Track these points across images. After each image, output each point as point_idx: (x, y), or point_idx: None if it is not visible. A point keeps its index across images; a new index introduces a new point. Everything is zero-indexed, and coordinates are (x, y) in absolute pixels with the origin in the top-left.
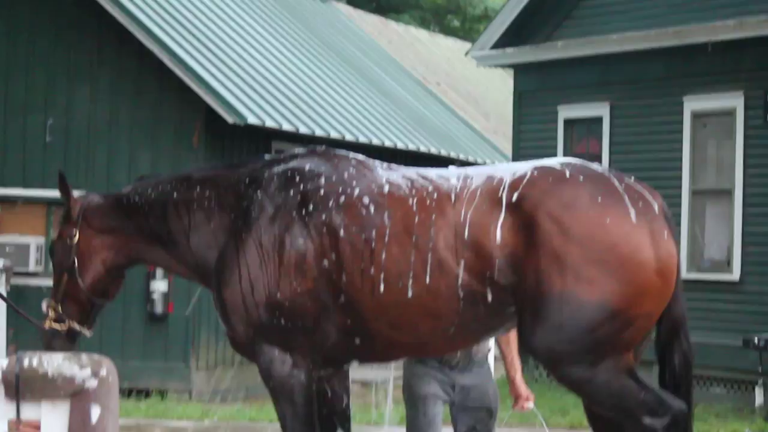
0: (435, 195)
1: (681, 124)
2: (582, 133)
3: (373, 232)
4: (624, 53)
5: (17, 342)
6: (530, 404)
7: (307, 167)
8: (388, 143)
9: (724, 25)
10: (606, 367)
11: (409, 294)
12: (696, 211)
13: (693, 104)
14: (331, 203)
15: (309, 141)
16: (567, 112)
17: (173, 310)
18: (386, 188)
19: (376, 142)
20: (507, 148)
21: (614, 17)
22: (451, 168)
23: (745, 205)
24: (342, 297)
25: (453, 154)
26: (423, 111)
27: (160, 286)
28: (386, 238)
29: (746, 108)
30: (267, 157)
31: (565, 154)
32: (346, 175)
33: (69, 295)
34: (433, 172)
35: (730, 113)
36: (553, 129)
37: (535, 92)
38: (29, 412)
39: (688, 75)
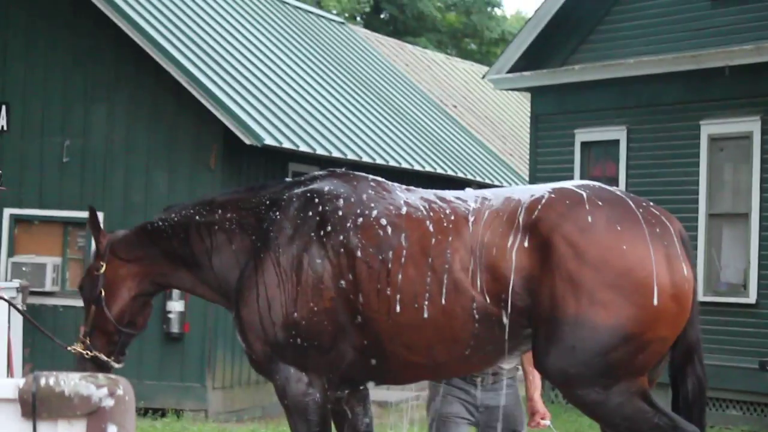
0: (452, 217)
1: (698, 148)
2: (599, 156)
3: (390, 254)
4: (641, 77)
5: (33, 362)
6: (546, 422)
7: (326, 189)
8: (405, 165)
9: (741, 49)
10: (619, 390)
11: (425, 315)
12: (712, 234)
13: (710, 128)
14: (349, 224)
15: (326, 162)
16: (584, 135)
17: (189, 329)
18: (404, 210)
19: (392, 163)
20: (524, 170)
21: (631, 41)
22: (468, 190)
23: (762, 228)
24: (359, 317)
25: (470, 176)
26: (440, 133)
27: (176, 306)
28: (403, 260)
29: (763, 132)
30: (288, 179)
31: (582, 177)
32: (364, 196)
33: (97, 327)
34: (450, 194)
35: (747, 137)
36: (570, 152)
37: (552, 115)
38: (45, 431)
39: (705, 99)
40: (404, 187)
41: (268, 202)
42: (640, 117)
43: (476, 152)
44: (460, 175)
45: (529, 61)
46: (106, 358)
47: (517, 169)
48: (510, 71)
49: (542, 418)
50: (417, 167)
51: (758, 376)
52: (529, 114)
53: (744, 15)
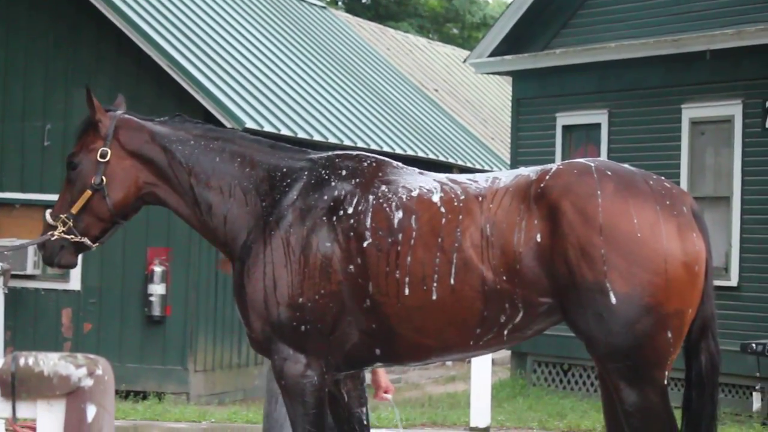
0: (462, 196)
1: (679, 132)
2: (580, 140)
3: (400, 236)
4: (622, 61)
5: (14, 345)
6: (388, 396)
7: (341, 170)
8: (386, 148)
9: (722, 33)
10: (647, 376)
11: (434, 296)
12: None
13: (691, 112)
14: (360, 207)
15: (307, 146)
16: (565, 118)
17: (171, 312)
18: (415, 192)
19: (374, 147)
20: (505, 154)
21: (612, 26)
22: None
23: (743, 212)
24: (367, 301)
25: (451, 160)
26: (421, 117)
27: (157, 289)
28: (412, 241)
29: (744, 116)
30: (307, 150)
31: (564, 160)
32: (378, 179)
33: (90, 213)
34: (463, 177)
35: (729, 121)
36: (551, 135)
37: (534, 99)
38: (25, 411)
39: (687, 83)
40: (417, 170)
41: (284, 170)
42: (621, 101)
43: (457, 136)
44: (441, 158)
45: (510, 45)
46: (90, 243)
47: (498, 152)
48: (491, 55)
49: (386, 392)
50: (398, 151)
51: (740, 359)
52: (510, 98)
53: None
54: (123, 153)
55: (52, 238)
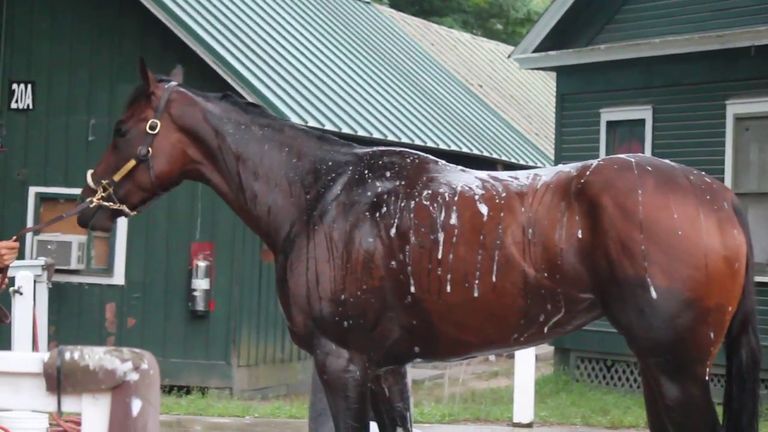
0: (504, 193)
1: (724, 128)
2: (624, 136)
3: (442, 233)
4: (666, 56)
5: (57, 340)
6: None
7: (384, 166)
8: (430, 144)
9: (767, 29)
10: (689, 371)
11: (475, 294)
12: None
13: (735, 108)
14: (403, 204)
15: (351, 141)
16: (609, 114)
17: (214, 307)
18: (458, 189)
19: (418, 142)
20: (550, 149)
21: (656, 21)
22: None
23: None
24: (409, 298)
25: (495, 155)
26: (466, 112)
27: (201, 284)
28: (454, 239)
29: None
30: (356, 147)
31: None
32: (421, 176)
33: (132, 181)
34: (504, 174)
35: None
36: (595, 131)
37: (578, 95)
38: (70, 405)
39: (731, 78)
40: (460, 168)
41: (330, 163)
42: (665, 96)
43: (502, 132)
44: (486, 154)
45: (554, 40)
46: (129, 210)
47: (542, 148)
48: (536, 51)
49: None
50: (443, 146)
51: None
52: (554, 93)
53: None
54: (173, 127)
55: (91, 205)
